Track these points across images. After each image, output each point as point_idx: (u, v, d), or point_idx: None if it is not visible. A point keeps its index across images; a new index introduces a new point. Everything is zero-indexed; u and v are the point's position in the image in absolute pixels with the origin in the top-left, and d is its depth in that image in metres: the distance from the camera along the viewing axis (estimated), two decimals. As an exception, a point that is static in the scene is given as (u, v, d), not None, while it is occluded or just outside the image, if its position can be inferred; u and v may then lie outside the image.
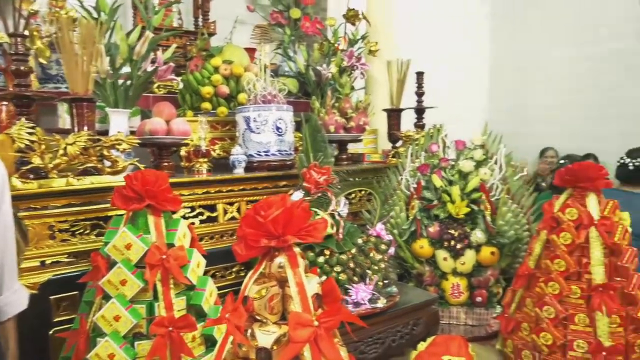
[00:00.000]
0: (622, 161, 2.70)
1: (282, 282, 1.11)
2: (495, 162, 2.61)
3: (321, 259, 2.02)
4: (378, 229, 2.27)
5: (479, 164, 2.62)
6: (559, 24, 4.96)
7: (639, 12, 4.35)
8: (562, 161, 4.07)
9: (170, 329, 1.56)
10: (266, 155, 2.42)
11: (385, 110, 3.18)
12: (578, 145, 4.48)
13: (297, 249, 1.13)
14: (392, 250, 2.28)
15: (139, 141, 1.99)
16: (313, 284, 1.12)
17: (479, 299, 2.55)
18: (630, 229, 1.93)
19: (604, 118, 4.53)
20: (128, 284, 1.59)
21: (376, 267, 2.14)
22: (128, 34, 2.17)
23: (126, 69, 2.18)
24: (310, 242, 1.10)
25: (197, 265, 1.75)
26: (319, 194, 2.20)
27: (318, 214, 2.11)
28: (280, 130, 2.41)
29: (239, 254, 1.08)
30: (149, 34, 2.09)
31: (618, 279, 1.88)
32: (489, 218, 2.51)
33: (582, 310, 1.88)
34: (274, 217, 1.03)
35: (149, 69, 2.17)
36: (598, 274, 1.85)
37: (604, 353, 1.79)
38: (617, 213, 1.93)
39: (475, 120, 2.98)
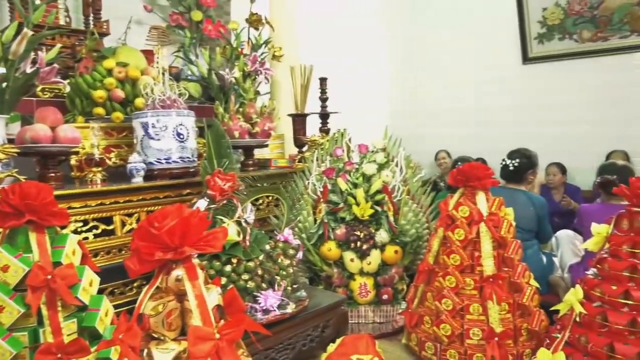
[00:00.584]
0: (503, 162, 2.95)
1: (181, 296, 1.05)
2: (396, 165, 2.73)
3: (228, 268, 1.97)
4: (286, 234, 2.26)
5: (381, 167, 2.72)
6: (449, 31, 5.34)
7: (516, 25, 4.83)
8: (458, 163, 4.36)
9: (59, 355, 1.41)
10: (167, 162, 2.31)
11: (290, 115, 3.19)
12: (469, 148, 4.84)
13: (196, 260, 1.08)
14: (300, 255, 2.28)
15: (17, 150, 1.79)
16: (214, 296, 1.08)
17: (385, 296, 2.63)
18: (514, 223, 2.11)
19: (489, 122, 4.96)
20: (6, 311, 1.41)
21: (285, 273, 2.13)
22: (2, 31, 1.95)
23: (1, 70, 1.96)
24: (210, 252, 1.05)
25: (89, 283, 1.61)
26: (225, 201, 2.15)
27: (224, 222, 2.06)
28: (181, 137, 2.31)
29: (132, 269, 1.01)
30: (27, 32, 1.89)
31: (506, 269, 2.05)
32: (392, 218, 2.61)
33: (476, 301, 2.02)
34: (169, 228, 0.98)
35: (29, 70, 1.96)
36: (488, 266, 2.00)
37: (496, 338, 1.93)
38: (503, 209, 2.11)
39: (378, 125, 3.09)
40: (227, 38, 3.11)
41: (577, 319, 1.66)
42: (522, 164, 2.86)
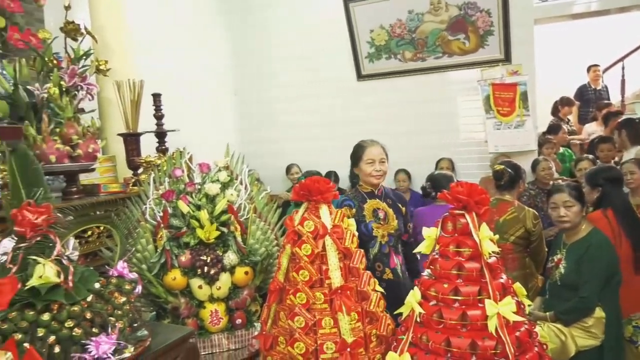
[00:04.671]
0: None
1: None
2: (241, 182, 2.64)
3: (46, 316, 1.65)
4: (120, 268, 2.00)
5: (225, 186, 2.61)
6: (288, 49, 5.49)
7: (349, 44, 5.16)
8: (302, 177, 4.46)
9: None
10: (-45, 197, 1.88)
11: (120, 134, 2.90)
12: (318, 161, 5.00)
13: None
14: (138, 289, 2.03)
15: None
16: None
17: (238, 321, 2.51)
18: (356, 233, 2.18)
19: (333, 135, 5.20)
20: None
21: (120, 312, 1.87)
22: None
23: None
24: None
25: None
26: (38, 238, 1.81)
27: (39, 262, 1.73)
28: (-25, 164, 1.90)
29: None
30: None
31: (353, 279, 2.09)
32: (239, 238, 2.51)
33: (327, 314, 2.01)
34: None
35: None
36: (336, 278, 2.02)
37: (348, 349, 1.94)
38: (345, 220, 2.16)
39: (224, 142, 2.97)
40: (35, 49, 2.69)
41: (418, 319, 1.75)
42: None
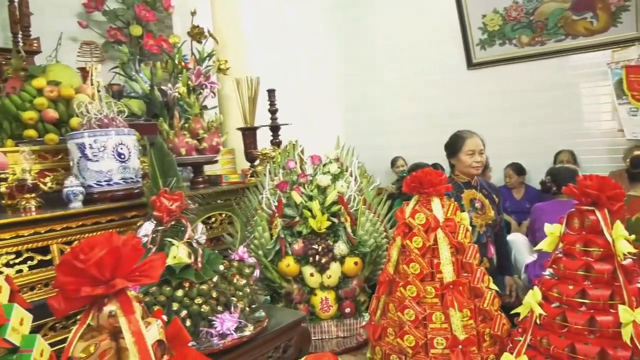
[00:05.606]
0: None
1: (116, 334, 0.94)
2: (351, 174, 2.68)
3: (180, 293, 1.85)
4: (240, 252, 2.16)
5: (336, 177, 2.67)
6: (397, 41, 5.43)
7: (459, 33, 4.95)
8: (406, 171, 4.39)
9: (-12, 407, 1.26)
10: (108, 184, 2.17)
11: (239, 129, 3.10)
12: (424, 153, 4.89)
13: (132, 293, 0.97)
14: (257, 273, 2.18)
15: None
16: (154, 330, 0.97)
17: (347, 310, 2.57)
18: (470, 228, 2.11)
19: (440, 127, 5.03)
20: None
21: (241, 293, 2.02)
22: None
23: None
24: (146, 283, 0.95)
25: (19, 322, 1.45)
26: (173, 222, 2.03)
27: (173, 244, 1.94)
28: (122, 157, 2.17)
29: (56, 308, 0.89)
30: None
31: (465, 274, 2.03)
32: (349, 229, 2.56)
33: (438, 309, 1.98)
34: (97, 259, 0.87)
35: (-54, 92, 1.79)
36: (448, 273, 1.97)
37: (460, 346, 1.90)
38: (458, 214, 2.10)
39: (331, 135, 3.05)
40: (167, 53, 2.99)
41: (537, 321, 1.65)
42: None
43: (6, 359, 1.40)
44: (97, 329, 0.94)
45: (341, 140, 2.88)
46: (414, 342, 1.97)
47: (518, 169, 4.45)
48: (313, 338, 2.46)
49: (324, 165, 2.73)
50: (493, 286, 2.05)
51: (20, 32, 2.99)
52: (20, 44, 2.94)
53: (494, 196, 2.69)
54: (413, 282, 2.01)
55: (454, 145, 2.64)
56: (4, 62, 2.68)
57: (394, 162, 5.33)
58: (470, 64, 5.02)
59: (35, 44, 2.96)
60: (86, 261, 0.87)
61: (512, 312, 1.82)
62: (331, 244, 2.55)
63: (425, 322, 1.99)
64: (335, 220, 2.57)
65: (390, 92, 5.54)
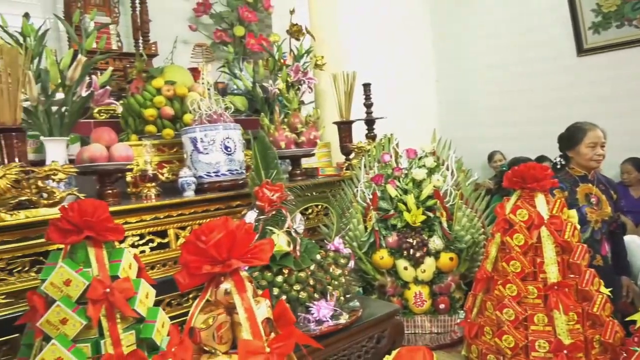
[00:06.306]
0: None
1: (230, 309, 1.04)
2: (447, 168, 2.63)
3: (280, 279, 1.96)
4: (336, 243, 2.23)
5: (431, 171, 2.64)
6: (497, 28, 5.17)
7: (568, 16, 4.59)
8: (506, 165, 4.18)
9: (120, 366, 1.45)
10: (216, 175, 2.35)
11: (335, 123, 3.18)
12: (525, 147, 4.63)
13: (244, 273, 1.06)
14: (352, 264, 2.24)
15: (76, 170, 1.87)
16: (263, 309, 1.06)
17: (442, 305, 2.54)
18: (578, 226, 1.98)
19: (543, 119, 4.72)
20: (69, 323, 1.47)
21: (337, 282, 2.09)
22: (61, 59, 2.06)
23: (60, 95, 2.07)
24: (257, 265, 1.04)
25: (145, 296, 1.65)
26: (274, 212, 2.15)
27: (274, 232, 2.06)
28: (229, 150, 2.34)
29: (181, 283, 1.01)
30: (81, 58, 1.99)
31: (572, 276, 1.91)
32: (445, 224, 2.52)
33: (540, 310, 1.89)
34: (216, 241, 0.97)
35: (84, 93, 2.06)
36: (552, 273, 1.87)
37: (565, 351, 1.80)
38: (565, 211, 1.98)
39: (426, 128, 3.02)
40: (268, 51, 3.15)
41: (657, 329, 1.52)
42: None
43: (134, 327, 1.59)
44: (214, 304, 1.05)
45: (436, 133, 2.84)
46: (513, 343, 1.90)
47: (638, 165, 4.02)
48: (406, 332, 2.47)
49: (419, 159, 2.72)
50: (604, 290, 1.91)
51: (141, 38, 3.33)
52: (141, 48, 3.27)
53: (612, 192, 2.54)
54: (513, 281, 1.94)
55: (572, 137, 2.52)
56: (128, 66, 3.01)
57: (491, 157, 5.10)
58: (581, 50, 4.63)
59: (154, 48, 3.27)
60: (206, 242, 0.97)
61: (627, 319, 1.69)
62: (426, 238, 2.53)
63: (526, 323, 1.91)
64: (431, 214, 2.54)
65: (488, 82, 5.30)
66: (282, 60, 3.13)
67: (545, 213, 1.94)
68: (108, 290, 1.50)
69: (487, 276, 2.08)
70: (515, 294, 1.93)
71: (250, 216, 2.13)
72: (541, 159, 4.33)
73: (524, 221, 1.95)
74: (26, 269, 1.78)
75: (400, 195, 2.58)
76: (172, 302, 2.13)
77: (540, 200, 1.97)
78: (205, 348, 1.05)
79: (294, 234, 2.09)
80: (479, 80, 5.39)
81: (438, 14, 5.59)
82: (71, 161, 2.10)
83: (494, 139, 5.14)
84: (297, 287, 1.97)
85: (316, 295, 2.01)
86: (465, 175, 2.68)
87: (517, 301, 1.92)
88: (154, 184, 2.25)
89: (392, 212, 2.58)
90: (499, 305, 1.97)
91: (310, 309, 1.96)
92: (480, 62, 5.36)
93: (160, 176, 2.36)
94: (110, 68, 2.39)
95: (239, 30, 3.53)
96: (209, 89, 2.41)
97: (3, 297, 1.72)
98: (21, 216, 1.74)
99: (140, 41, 3.33)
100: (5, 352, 1.70)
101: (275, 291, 1.93)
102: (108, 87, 2.16)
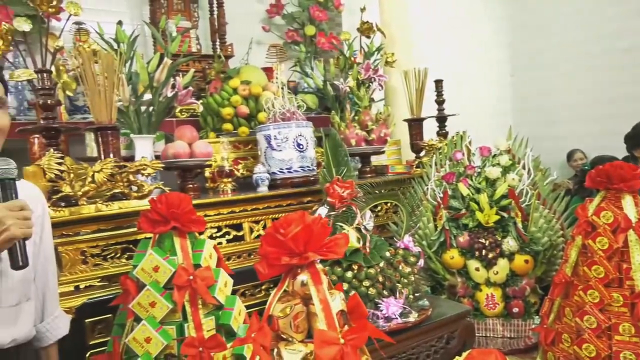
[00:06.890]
0: None
1: (306, 300, 1.09)
2: (523, 167, 2.53)
3: (349, 274, 1.99)
4: (406, 241, 2.22)
5: (506, 170, 2.55)
6: (575, 21, 4.87)
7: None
8: (587, 164, 3.92)
9: (201, 349, 1.55)
10: (289, 172, 2.42)
11: (406, 120, 3.15)
12: (608, 145, 4.32)
13: (319, 266, 1.11)
14: (421, 262, 2.22)
15: (162, 165, 2.02)
16: (337, 301, 1.10)
17: (515, 309, 2.46)
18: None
19: (628, 114, 4.36)
20: (157, 306, 1.60)
21: (406, 280, 2.09)
22: (148, 63, 2.22)
23: (148, 96, 2.23)
24: (332, 258, 1.08)
25: (224, 284, 1.75)
26: (344, 208, 2.18)
27: (344, 228, 2.09)
28: (301, 147, 2.41)
29: (261, 272, 1.07)
30: (167, 61, 2.14)
31: (663, 283, 1.78)
32: (520, 225, 2.43)
33: (626, 320, 1.78)
34: (294, 234, 1.02)
35: (169, 94, 2.21)
36: (640, 280, 1.76)
37: (654, 364, 1.68)
38: (656, 214, 1.84)
39: (499, 125, 2.92)
40: (339, 49, 3.18)
41: None
42: None
43: (214, 314, 1.70)
44: (291, 294, 1.10)
45: (512, 130, 2.73)
46: (595, 353, 1.81)
47: None
48: (477, 334, 2.41)
49: (493, 157, 2.63)
50: (702, 300, 1.76)
51: (218, 40, 3.49)
52: (219, 50, 3.43)
53: None
54: (595, 287, 1.84)
55: (638, 136, 2.32)
56: (207, 67, 3.17)
57: (570, 155, 4.81)
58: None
59: (230, 49, 3.43)
60: (285, 235, 1.02)
61: None
62: (499, 239, 2.45)
63: (610, 333, 1.81)
64: (505, 214, 2.46)
65: (566, 76, 4.99)
66: (352, 58, 3.15)
67: (633, 216, 1.82)
68: (191, 277, 1.61)
69: (567, 281, 1.99)
70: (598, 301, 1.83)
71: (321, 212, 2.18)
72: (628, 158, 4.02)
73: (609, 224, 1.84)
74: (118, 255, 1.95)
75: (473, 194, 2.52)
76: (246, 292, 2.23)
77: (627, 201, 1.85)
78: (282, 336, 1.10)
79: (363, 230, 2.11)
80: (557, 74, 5.10)
81: (513, 5, 5.36)
82: (157, 157, 2.27)
83: (574, 137, 4.84)
84: (366, 283, 1.99)
85: (385, 292, 2.02)
86: (543, 174, 2.56)
87: (599, 308, 1.82)
88: (230, 179, 2.36)
89: (463, 211, 2.53)
90: (579, 311, 1.88)
91: (379, 305, 1.98)
92: (556, 56, 5.07)
93: (236, 172, 2.48)
94: (192, 70, 2.54)
95: (310, 30, 3.61)
96: (282, 88, 2.49)
97: (99, 280, 1.90)
98: (115, 207, 1.90)
99: (218, 43, 3.49)
100: (100, 330, 1.87)
101: (345, 286, 1.96)
102: (190, 88, 2.30)
